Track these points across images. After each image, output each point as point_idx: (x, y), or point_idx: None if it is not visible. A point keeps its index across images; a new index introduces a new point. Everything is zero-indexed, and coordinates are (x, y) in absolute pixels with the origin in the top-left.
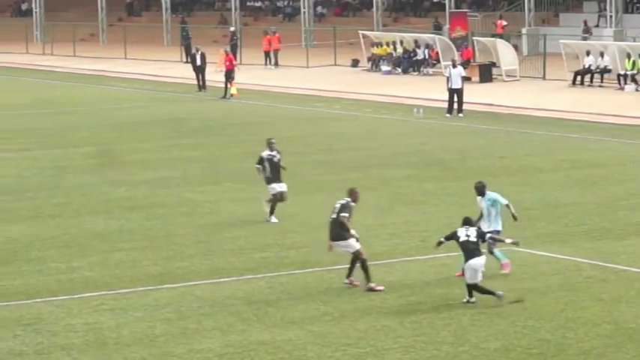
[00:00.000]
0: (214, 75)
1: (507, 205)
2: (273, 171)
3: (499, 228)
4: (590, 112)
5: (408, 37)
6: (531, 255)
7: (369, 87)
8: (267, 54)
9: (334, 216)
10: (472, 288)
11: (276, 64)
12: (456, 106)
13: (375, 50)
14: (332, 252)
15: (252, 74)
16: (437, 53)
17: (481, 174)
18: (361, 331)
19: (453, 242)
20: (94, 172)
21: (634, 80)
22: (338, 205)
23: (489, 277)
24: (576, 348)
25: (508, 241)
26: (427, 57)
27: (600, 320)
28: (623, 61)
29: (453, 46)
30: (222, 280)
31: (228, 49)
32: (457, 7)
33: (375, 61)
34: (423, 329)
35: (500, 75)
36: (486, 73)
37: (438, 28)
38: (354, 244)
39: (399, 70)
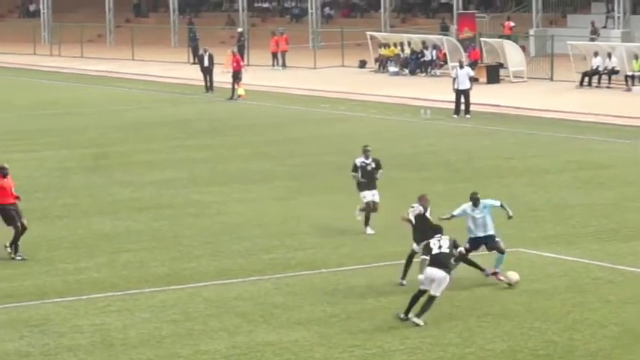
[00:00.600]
0: (222, 76)
1: (502, 206)
2: (366, 179)
3: (492, 232)
4: (598, 114)
5: (416, 38)
6: (538, 256)
7: (376, 88)
8: (274, 55)
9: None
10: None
11: (284, 65)
12: (463, 107)
13: (383, 51)
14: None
15: (260, 75)
16: (444, 54)
17: (488, 175)
18: (368, 333)
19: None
20: (102, 172)
21: None
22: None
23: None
24: (583, 349)
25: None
26: (435, 58)
27: (607, 322)
28: (630, 62)
29: (460, 47)
30: (229, 281)
31: (236, 50)
32: (465, 8)
33: (382, 62)
34: (429, 330)
35: (508, 76)
36: (494, 74)
37: (445, 29)
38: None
39: (407, 71)
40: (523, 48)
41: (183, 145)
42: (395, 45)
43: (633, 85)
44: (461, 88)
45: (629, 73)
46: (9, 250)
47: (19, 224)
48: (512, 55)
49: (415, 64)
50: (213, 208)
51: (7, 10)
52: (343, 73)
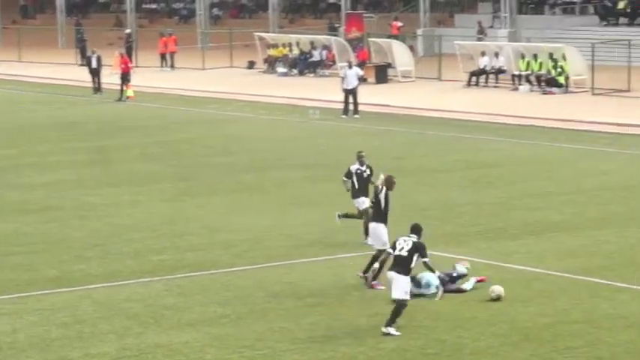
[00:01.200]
0: (110, 77)
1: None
2: (361, 185)
3: (464, 271)
4: (485, 113)
5: (304, 38)
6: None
7: (265, 89)
8: (163, 56)
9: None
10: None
11: (172, 66)
12: (351, 107)
13: (271, 52)
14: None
15: (148, 76)
16: (333, 55)
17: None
18: (258, 333)
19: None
20: None
21: (528, 81)
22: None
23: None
24: (472, 347)
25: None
26: (324, 58)
27: (496, 320)
28: (517, 61)
29: (349, 48)
30: (119, 283)
31: (124, 51)
32: (353, 8)
33: (271, 63)
34: (319, 330)
35: (396, 76)
36: (382, 74)
37: (333, 30)
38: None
39: (295, 71)
40: (411, 48)
41: (72, 148)
42: (283, 45)
43: (520, 84)
44: (348, 87)
45: (516, 73)
46: None
47: None
48: (401, 55)
49: (304, 64)
50: (103, 210)
51: None
52: (232, 73)
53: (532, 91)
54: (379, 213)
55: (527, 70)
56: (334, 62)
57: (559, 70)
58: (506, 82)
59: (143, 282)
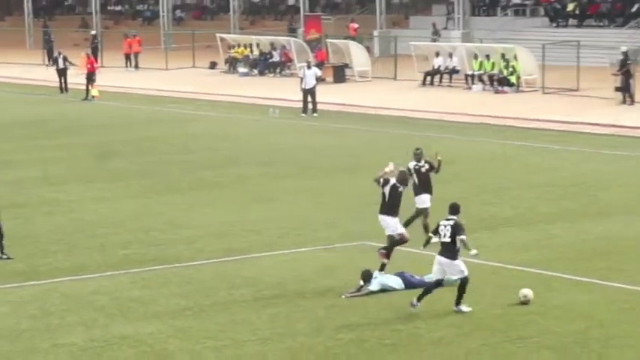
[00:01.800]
0: (76, 77)
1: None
2: (421, 181)
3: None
4: (440, 111)
5: (264, 39)
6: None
7: (226, 88)
8: (127, 57)
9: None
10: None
11: (137, 66)
12: (310, 106)
13: (232, 52)
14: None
15: (113, 76)
16: (288, 56)
17: (334, 172)
18: (220, 325)
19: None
20: None
21: (481, 80)
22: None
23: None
24: (427, 337)
25: (473, 252)
26: (283, 59)
27: (451, 311)
28: (470, 61)
29: (307, 48)
30: (85, 276)
31: (90, 52)
32: (311, 10)
33: (232, 63)
34: (279, 321)
35: (353, 76)
36: (340, 74)
37: (292, 31)
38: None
39: (256, 71)
40: (368, 49)
41: (39, 145)
42: (244, 46)
43: (473, 83)
44: (307, 87)
45: (469, 73)
46: None
47: None
48: (358, 55)
49: (264, 64)
50: (68, 206)
51: None
52: (194, 73)
53: (485, 90)
54: (383, 205)
55: (480, 70)
56: (290, 61)
57: (511, 69)
58: (459, 82)
59: (109, 275)
